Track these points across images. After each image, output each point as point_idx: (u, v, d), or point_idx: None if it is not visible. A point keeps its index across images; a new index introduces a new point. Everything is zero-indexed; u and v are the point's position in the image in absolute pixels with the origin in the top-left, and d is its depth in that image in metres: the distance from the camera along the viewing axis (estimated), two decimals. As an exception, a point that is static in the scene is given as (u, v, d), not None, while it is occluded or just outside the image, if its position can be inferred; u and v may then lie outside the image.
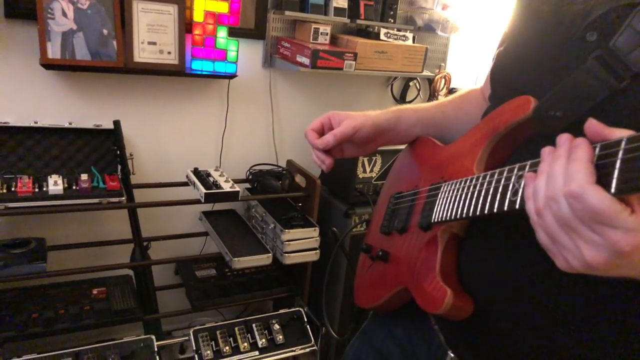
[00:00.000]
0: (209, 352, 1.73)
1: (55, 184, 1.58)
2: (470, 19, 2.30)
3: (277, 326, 1.88)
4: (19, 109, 1.71)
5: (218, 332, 1.79)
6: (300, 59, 1.90)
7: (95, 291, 1.81)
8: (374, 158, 1.91)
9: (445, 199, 0.68)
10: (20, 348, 1.55)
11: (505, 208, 0.54)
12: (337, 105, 2.27)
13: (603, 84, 0.53)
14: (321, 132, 0.88)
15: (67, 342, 1.59)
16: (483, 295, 0.65)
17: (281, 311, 1.95)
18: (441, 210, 0.68)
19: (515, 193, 0.53)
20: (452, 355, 0.73)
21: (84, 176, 1.66)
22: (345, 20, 2.00)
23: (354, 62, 1.92)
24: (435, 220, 0.69)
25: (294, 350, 1.87)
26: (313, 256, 1.91)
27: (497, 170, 0.58)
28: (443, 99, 0.95)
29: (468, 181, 0.64)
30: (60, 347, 1.58)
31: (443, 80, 2.36)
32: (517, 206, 0.53)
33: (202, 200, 1.70)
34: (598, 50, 0.54)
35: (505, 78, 0.71)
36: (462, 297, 0.64)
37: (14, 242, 1.68)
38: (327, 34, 1.98)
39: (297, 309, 1.98)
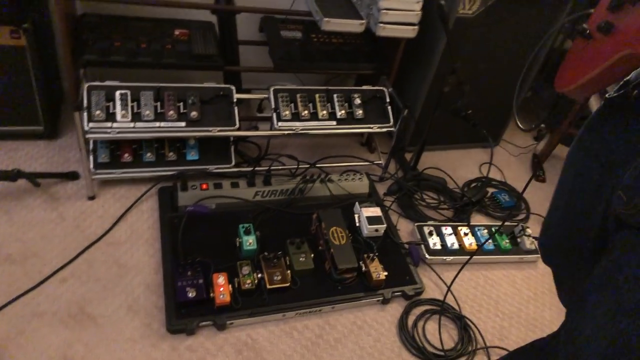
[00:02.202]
0: (287, 112, 1.69)
1: None
2: None
3: (358, 101, 1.79)
4: None
5: (298, 96, 1.72)
6: None
7: (177, 32, 1.73)
8: None
9: None
10: (102, 75, 1.55)
11: None
12: None
13: None
14: None
15: (145, 80, 1.57)
16: None
17: (364, 87, 1.84)
18: None
19: None
20: None
21: None
22: None
23: None
24: None
25: (371, 128, 1.81)
26: (410, 32, 1.70)
27: None
28: None
29: None
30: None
31: None
32: None
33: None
34: None
35: None
36: None
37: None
38: None
39: (380, 87, 1.86)
